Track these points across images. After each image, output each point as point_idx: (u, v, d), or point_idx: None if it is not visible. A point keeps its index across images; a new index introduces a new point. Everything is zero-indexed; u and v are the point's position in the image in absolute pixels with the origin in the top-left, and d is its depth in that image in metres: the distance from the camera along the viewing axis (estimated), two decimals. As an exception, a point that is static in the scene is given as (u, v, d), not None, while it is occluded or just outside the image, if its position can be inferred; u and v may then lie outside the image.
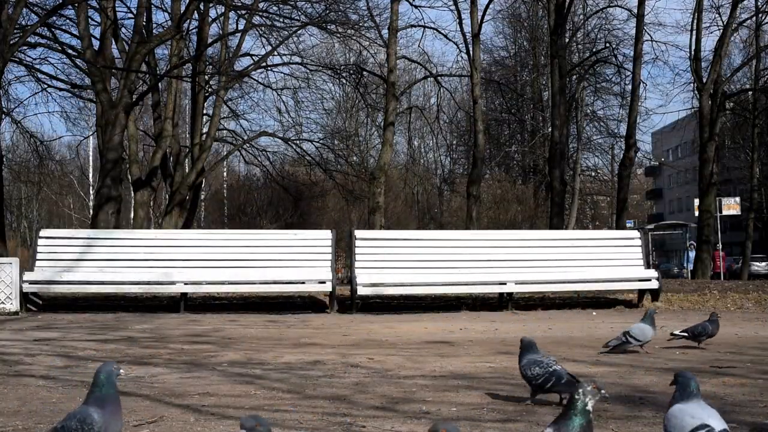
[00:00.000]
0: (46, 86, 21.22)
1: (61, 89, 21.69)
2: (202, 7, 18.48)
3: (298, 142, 23.27)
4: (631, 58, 24.47)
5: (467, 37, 22.41)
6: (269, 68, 21.62)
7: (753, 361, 5.47)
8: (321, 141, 25.53)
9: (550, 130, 26.28)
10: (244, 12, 19.19)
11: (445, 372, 5.04)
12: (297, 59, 21.09)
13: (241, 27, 20.65)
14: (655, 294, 11.30)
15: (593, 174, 38.24)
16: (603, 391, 2.64)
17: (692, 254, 28.07)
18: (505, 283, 11.01)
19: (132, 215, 22.54)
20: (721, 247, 30.21)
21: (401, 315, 10.40)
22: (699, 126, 24.50)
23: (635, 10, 23.66)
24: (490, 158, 34.74)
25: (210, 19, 20.45)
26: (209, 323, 8.87)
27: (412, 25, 23.56)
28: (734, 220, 41.89)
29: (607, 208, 43.41)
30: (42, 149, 23.86)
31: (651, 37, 25.37)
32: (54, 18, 17.71)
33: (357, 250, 11.16)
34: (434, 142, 39.30)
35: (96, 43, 17.54)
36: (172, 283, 10.61)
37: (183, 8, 17.89)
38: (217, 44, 20.99)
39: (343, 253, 20.22)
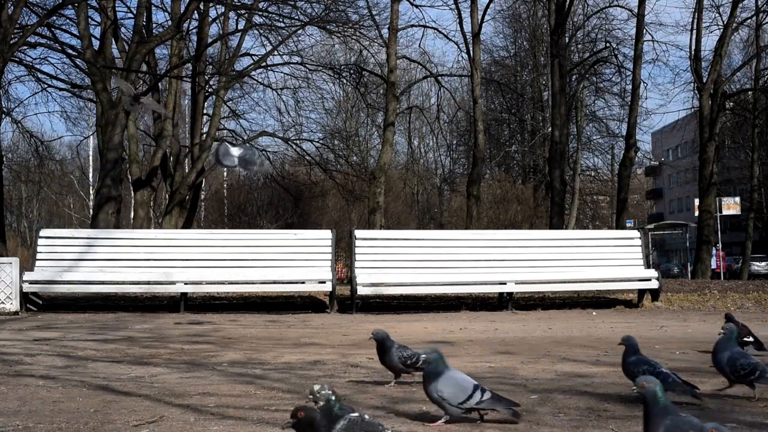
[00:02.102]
0: (46, 86, 21.24)
1: (61, 89, 21.71)
2: (202, 7, 18.48)
3: (298, 142, 23.26)
4: (631, 58, 24.49)
5: (467, 36, 22.43)
6: (269, 68, 21.63)
7: (753, 361, 5.46)
8: (321, 141, 25.54)
9: (550, 130, 26.28)
10: (244, 12, 19.18)
11: (445, 372, 5.03)
12: (297, 59, 21.09)
13: (241, 27, 20.63)
14: (655, 294, 11.31)
15: (593, 174, 38.23)
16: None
17: (713, 250, 27.97)
18: (505, 283, 11.01)
19: (132, 215, 22.54)
20: (720, 247, 30.20)
21: (401, 315, 10.40)
22: (699, 126, 24.51)
23: (635, 10, 23.68)
24: (490, 158, 34.72)
25: (210, 19, 20.44)
26: (209, 323, 8.87)
27: (413, 25, 23.59)
28: (734, 220, 41.91)
29: (607, 208, 43.39)
30: (42, 149, 23.87)
31: (651, 37, 25.42)
32: (54, 18, 17.71)
33: (357, 250, 11.16)
34: (434, 142, 39.35)
35: (96, 43, 17.53)
36: (172, 283, 10.62)
37: (183, 8, 17.89)
38: (217, 44, 20.98)
39: (343, 253, 20.22)
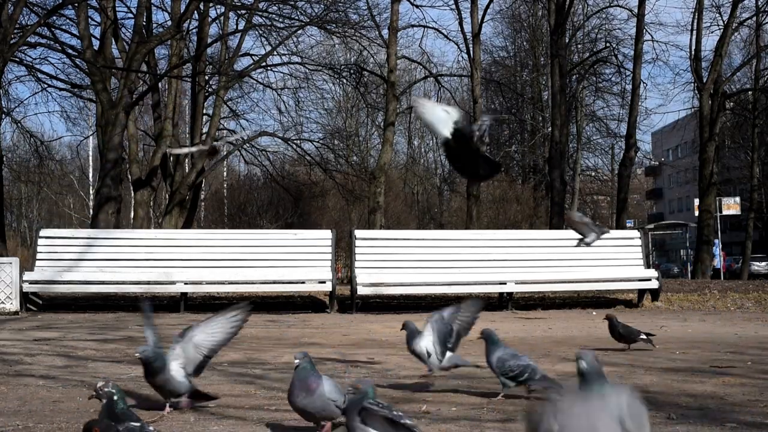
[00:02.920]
0: (46, 86, 21.24)
1: (61, 89, 21.71)
2: (202, 7, 18.48)
3: (298, 141, 23.27)
4: (631, 58, 24.50)
5: (467, 36, 22.45)
6: (269, 68, 21.64)
7: (753, 361, 5.47)
8: (321, 141, 25.55)
9: (550, 130, 26.29)
10: (244, 12, 19.19)
11: (445, 372, 5.03)
12: (297, 59, 21.10)
13: (241, 27, 20.65)
14: (655, 294, 11.31)
15: (593, 174, 38.23)
16: None
17: (717, 249, 27.90)
18: (505, 283, 11.01)
19: (132, 215, 22.55)
20: (721, 247, 30.20)
21: (401, 315, 10.40)
22: (699, 126, 24.51)
23: (635, 10, 23.69)
24: (490, 158, 34.65)
25: (210, 19, 20.45)
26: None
27: (413, 25, 23.61)
28: (734, 220, 41.89)
29: (607, 208, 43.40)
30: (42, 149, 23.87)
31: (651, 37, 25.43)
32: (54, 18, 17.71)
33: (357, 250, 11.16)
34: (434, 142, 39.31)
35: (96, 43, 17.54)
36: (172, 283, 10.62)
37: (183, 8, 17.89)
38: (217, 44, 20.99)
39: (343, 253, 20.22)
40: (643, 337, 5.93)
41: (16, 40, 15.25)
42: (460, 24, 22.75)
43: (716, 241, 30.04)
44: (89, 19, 17.82)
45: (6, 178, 22.67)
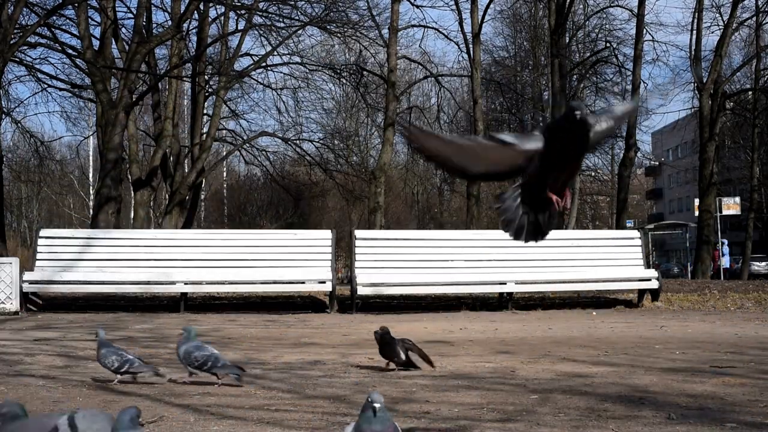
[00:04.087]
0: (46, 86, 21.26)
1: (61, 89, 21.73)
2: (202, 7, 18.49)
3: (298, 142, 23.28)
4: (631, 58, 24.49)
5: (468, 36, 22.45)
6: (269, 68, 21.66)
7: (753, 361, 5.47)
8: (321, 141, 25.53)
9: (550, 130, 26.25)
10: (244, 12, 19.20)
11: (445, 372, 5.04)
12: (297, 59, 21.12)
13: (241, 27, 20.65)
14: (655, 294, 11.31)
15: (593, 174, 38.18)
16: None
17: (725, 249, 27.82)
18: (505, 283, 11.02)
19: (132, 215, 22.56)
20: (720, 246, 30.17)
21: (401, 315, 10.40)
22: (699, 126, 24.52)
23: (635, 10, 23.69)
24: (490, 158, 34.62)
25: (210, 19, 20.47)
26: (209, 323, 8.87)
27: (413, 25, 23.60)
28: (734, 220, 41.86)
29: (607, 208, 43.37)
30: (42, 149, 23.89)
31: (652, 37, 25.42)
32: (54, 18, 17.73)
33: (357, 250, 11.16)
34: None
35: (96, 43, 17.55)
36: (172, 283, 10.62)
37: (183, 8, 17.91)
38: (217, 44, 21.00)
39: (343, 253, 20.21)
40: (403, 357, 4.90)
41: (16, 40, 15.26)
42: (461, 24, 22.78)
43: (725, 240, 30.05)
44: (89, 19, 17.83)
45: (6, 178, 22.68)
